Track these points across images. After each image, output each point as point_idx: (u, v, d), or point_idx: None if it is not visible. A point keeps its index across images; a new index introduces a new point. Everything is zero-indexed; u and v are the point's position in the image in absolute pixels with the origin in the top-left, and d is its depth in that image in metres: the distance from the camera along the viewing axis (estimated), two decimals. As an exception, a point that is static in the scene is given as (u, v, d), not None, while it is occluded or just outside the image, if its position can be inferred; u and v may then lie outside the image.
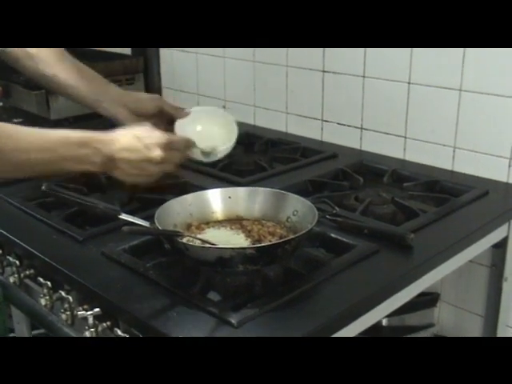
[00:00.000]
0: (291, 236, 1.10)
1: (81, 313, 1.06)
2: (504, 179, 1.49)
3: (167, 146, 1.14)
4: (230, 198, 1.24)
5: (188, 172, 1.57)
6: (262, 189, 1.26)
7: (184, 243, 1.05)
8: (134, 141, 1.10)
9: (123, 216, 1.13)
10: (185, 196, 1.22)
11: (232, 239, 1.14)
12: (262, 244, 1.10)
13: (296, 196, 1.20)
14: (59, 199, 1.18)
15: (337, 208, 1.23)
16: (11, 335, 1.71)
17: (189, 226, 1.19)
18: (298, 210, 1.17)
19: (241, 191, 1.26)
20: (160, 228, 1.08)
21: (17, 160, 1.01)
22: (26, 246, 1.20)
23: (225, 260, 1.02)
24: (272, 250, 1.05)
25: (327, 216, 1.23)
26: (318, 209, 1.16)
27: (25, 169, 1.04)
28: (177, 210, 1.18)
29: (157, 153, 1.12)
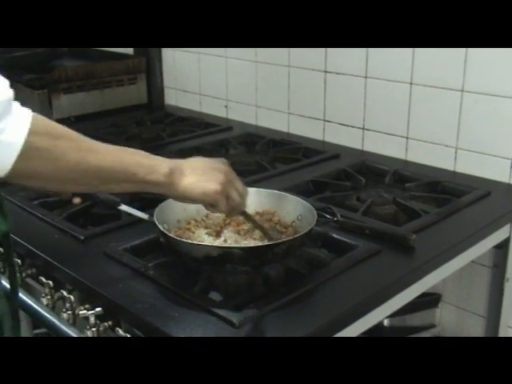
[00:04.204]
0: (282, 239, 1.09)
1: (82, 312, 1.06)
2: (506, 180, 1.49)
3: (230, 170, 1.05)
4: None
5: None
6: (272, 191, 1.24)
7: (174, 238, 1.06)
8: (199, 158, 1.06)
9: (122, 207, 1.13)
10: None
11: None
12: (249, 245, 1.10)
13: (302, 201, 1.18)
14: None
15: (339, 216, 1.21)
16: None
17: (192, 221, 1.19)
18: (303, 215, 1.16)
19: (251, 192, 1.25)
20: (156, 221, 1.08)
21: (83, 163, 0.88)
22: (28, 245, 1.20)
23: (212, 258, 1.02)
24: (260, 252, 1.04)
25: (330, 218, 1.22)
26: (322, 213, 1.15)
27: (97, 178, 0.91)
28: (183, 206, 1.18)
29: (222, 165, 1.03)
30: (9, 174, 0.82)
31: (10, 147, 0.80)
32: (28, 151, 0.81)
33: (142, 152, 0.97)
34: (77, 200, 1.15)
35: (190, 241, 1.09)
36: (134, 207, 1.18)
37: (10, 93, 0.81)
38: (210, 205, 1.03)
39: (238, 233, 1.16)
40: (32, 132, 0.82)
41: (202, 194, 0.99)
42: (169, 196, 1.02)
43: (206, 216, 1.20)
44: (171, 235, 1.07)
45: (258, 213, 1.21)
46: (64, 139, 0.87)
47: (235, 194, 1.03)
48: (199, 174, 1.00)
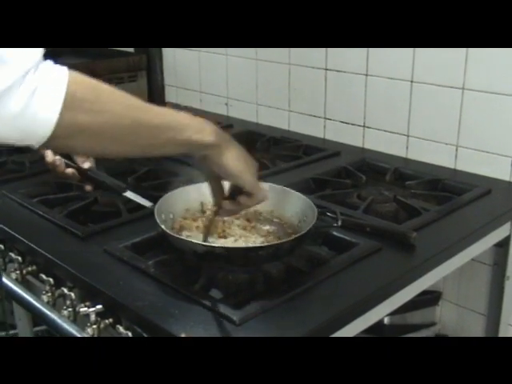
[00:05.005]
0: (266, 243, 1.10)
1: (83, 309, 1.07)
2: (506, 178, 1.49)
3: None
4: None
5: (189, 169, 1.57)
6: (274, 185, 1.24)
7: (164, 230, 1.06)
8: None
9: (128, 194, 1.12)
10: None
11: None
12: (233, 246, 1.10)
13: (304, 198, 1.18)
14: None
15: (340, 222, 1.20)
16: (13, 332, 1.71)
17: (204, 212, 1.19)
18: (307, 215, 1.15)
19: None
20: (155, 210, 1.09)
21: (128, 117, 0.83)
22: (29, 243, 1.20)
23: (200, 255, 1.03)
24: (243, 253, 1.05)
25: (330, 223, 1.22)
26: (325, 211, 1.15)
27: (142, 135, 0.85)
28: (193, 196, 1.18)
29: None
30: (54, 130, 0.75)
31: (52, 98, 0.74)
32: (71, 102, 0.75)
33: (183, 112, 0.92)
34: (88, 187, 1.14)
35: (176, 235, 1.09)
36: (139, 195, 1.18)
37: (41, 50, 0.77)
38: (247, 194, 1.00)
39: (245, 228, 1.17)
40: (72, 82, 0.76)
41: (242, 171, 0.97)
42: (212, 161, 0.95)
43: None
44: (162, 226, 1.07)
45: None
46: (106, 92, 0.83)
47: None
48: (241, 151, 0.97)
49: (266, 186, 1.23)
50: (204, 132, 0.91)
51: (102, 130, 0.81)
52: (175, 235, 1.07)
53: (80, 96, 0.77)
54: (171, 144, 0.89)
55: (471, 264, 1.54)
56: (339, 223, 1.18)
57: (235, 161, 0.95)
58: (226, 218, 1.16)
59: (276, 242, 1.06)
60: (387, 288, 1.09)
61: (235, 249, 1.07)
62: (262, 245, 1.08)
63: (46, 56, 0.83)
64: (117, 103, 0.83)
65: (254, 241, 1.13)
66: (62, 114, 0.75)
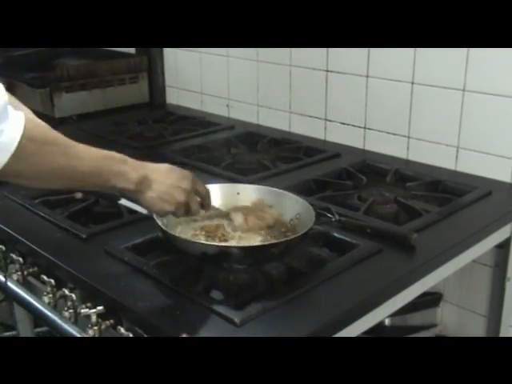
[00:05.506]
0: (278, 240, 1.11)
1: (84, 311, 1.07)
2: (507, 179, 1.49)
3: (194, 184, 1.11)
4: (238, 194, 1.25)
5: (190, 169, 1.57)
6: (272, 189, 1.25)
7: (172, 234, 1.07)
8: (168, 168, 1.10)
9: (123, 201, 1.13)
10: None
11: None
12: (247, 245, 1.11)
13: (301, 199, 1.19)
14: None
15: (337, 216, 1.22)
16: (14, 333, 1.71)
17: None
18: (301, 213, 1.16)
19: (250, 189, 1.26)
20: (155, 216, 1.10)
21: (65, 169, 0.95)
22: (30, 244, 1.21)
23: (210, 256, 1.03)
24: (257, 251, 1.06)
25: (329, 218, 1.23)
26: (323, 212, 1.16)
27: (66, 178, 0.97)
28: None
29: (187, 183, 1.10)
30: None
31: (3, 149, 0.84)
32: (18, 154, 0.85)
33: (117, 156, 1.02)
34: (79, 195, 1.16)
35: (187, 238, 1.09)
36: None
37: (6, 97, 0.84)
38: None
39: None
40: (24, 136, 0.85)
41: (156, 211, 1.08)
42: (133, 198, 1.08)
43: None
44: (169, 231, 1.07)
45: (252, 203, 1.23)
46: (52, 145, 0.92)
47: (195, 206, 1.11)
48: (162, 191, 1.06)
49: (254, 188, 1.26)
50: (128, 181, 1.02)
51: (39, 176, 0.93)
52: (183, 237, 1.08)
53: (28, 150, 0.87)
54: (98, 188, 1.05)
55: (472, 265, 1.54)
56: (337, 217, 1.19)
57: (151, 201, 1.06)
58: (216, 223, 1.19)
59: (288, 238, 1.08)
60: (388, 289, 1.09)
61: (248, 247, 1.08)
62: (274, 242, 1.09)
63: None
64: (58, 155, 0.93)
65: (255, 241, 1.13)
66: (7, 162, 0.84)
